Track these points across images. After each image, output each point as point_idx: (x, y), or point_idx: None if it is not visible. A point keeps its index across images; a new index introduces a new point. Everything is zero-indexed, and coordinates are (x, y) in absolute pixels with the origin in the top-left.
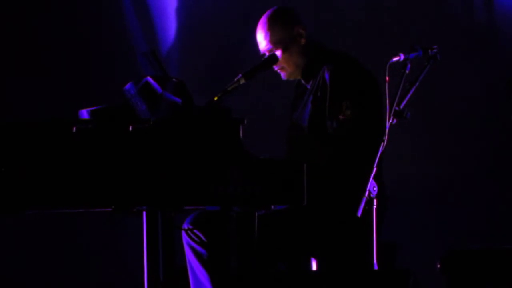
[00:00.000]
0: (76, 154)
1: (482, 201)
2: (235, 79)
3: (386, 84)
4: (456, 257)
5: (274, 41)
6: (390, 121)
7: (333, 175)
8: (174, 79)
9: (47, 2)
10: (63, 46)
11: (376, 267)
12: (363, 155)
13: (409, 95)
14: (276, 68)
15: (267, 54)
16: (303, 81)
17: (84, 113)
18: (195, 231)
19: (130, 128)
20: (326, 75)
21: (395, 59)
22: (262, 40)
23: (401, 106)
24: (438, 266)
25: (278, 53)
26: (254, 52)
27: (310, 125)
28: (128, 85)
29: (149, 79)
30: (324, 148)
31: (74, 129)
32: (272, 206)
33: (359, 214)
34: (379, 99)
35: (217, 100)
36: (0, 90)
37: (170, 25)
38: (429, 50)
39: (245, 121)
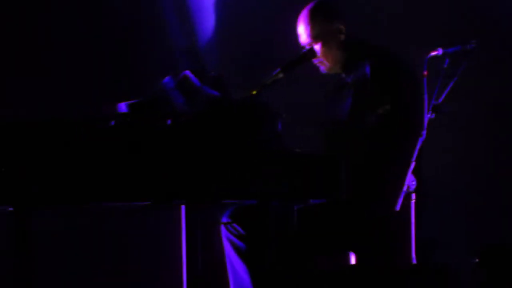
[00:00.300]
0: (115, 148)
1: None
2: (273, 73)
3: (425, 79)
4: (494, 252)
5: (314, 35)
6: (429, 115)
7: (371, 169)
8: (212, 73)
9: None
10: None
11: (414, 261)
12: (402, 150)
13: (447, 90)
14: (315, 62)
15: (307, 47)
16: (343, 75)
17: (123, 107)
18: (234, 224)
19: (169, 122)
20: (367, 70)
21: (433, 53)
22: (302, 32)
23: (440, 101)
24: (477, 260)
25: (317, 47)
26: (294, 45)
27: (350, 119)
28: (166, 79)
29: (188, 73)
30: (363, 142)
31: (112, 123)
32: (310, 200)
33: (397, 208)
34: (418, 94)
35: (255, 94)
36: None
37: (208, 19)
38: (467, 45)
39: (284, 116)
